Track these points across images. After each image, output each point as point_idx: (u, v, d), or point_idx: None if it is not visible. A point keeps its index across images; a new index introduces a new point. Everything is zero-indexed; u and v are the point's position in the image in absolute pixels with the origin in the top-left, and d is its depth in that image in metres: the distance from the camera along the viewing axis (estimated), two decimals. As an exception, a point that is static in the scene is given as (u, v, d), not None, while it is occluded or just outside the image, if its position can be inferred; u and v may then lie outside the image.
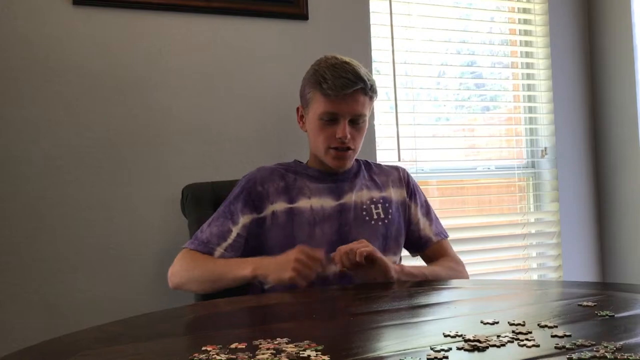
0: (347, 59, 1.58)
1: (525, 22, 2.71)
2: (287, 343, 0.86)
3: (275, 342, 0.87)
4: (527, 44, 2.71)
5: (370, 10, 2.31)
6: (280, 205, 1.56)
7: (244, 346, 0.86)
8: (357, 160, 1.71)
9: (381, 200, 1.64)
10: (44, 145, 1.84)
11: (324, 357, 0.80)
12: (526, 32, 2.71)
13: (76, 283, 1.85)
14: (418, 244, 1.69)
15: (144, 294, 1.91)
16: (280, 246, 1.49)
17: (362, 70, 1.56)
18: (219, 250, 1.51)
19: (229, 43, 2.07)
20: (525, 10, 2.70)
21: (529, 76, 2.72)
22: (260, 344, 0.86)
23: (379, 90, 1.64)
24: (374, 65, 2.30)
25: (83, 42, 1.89)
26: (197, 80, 2.02)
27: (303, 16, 2.17)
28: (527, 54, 2.71)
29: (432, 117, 2.53)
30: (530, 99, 2.72)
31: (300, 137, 2.13)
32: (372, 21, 2.32)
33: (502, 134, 2.75)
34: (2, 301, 1.78)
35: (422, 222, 1.70)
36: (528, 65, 2.72)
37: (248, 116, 2.08)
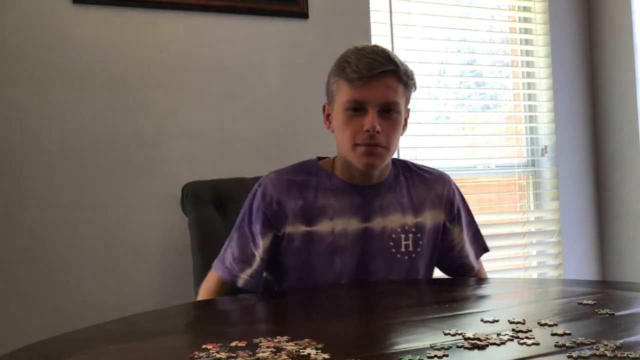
0: (374, 45, 1.37)
1: (526, 20, 2.70)
2: (287, 341, 0.87)
3: (276, 341, 0.87)
4: (528, 42, 2.71)
5: (370, 9, 2.31)
6: (296, 228, 1.37)
7: (244, 344, 0.86)
8: (394, 163, 1.47)
9: (413, 229, 1.41)
10: (45, 145, 1.84)
11: (324, 355, 0.80)
12: (526, 31, 2.71)
13: (76, 282, 1.85)
14: (459, 272, 1.51)
15: (144, 293, 1.91)
16: (296, 274, 1.39)
17: (395, 56, 1.34)
18: (242, 278, 1.38)
19: (229, 42, 2.07)
20: (525, 9, 2.70)
21: (529, 74, 2.72)
22: (261, 342, 0.86)
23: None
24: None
25: (83, 40, 1.89)
26: (198, 79, 2.02)
27: (303, 15, 2.17)
28: (528, 53, 2.71)
29: (432, 115, 2.53)
30: (530, 97, 2.72)
31: (301, 135, 2.13)
32: (372, 19, 2.32)
33: (502, 132, 2.75)
34: (1, 300, 1.78)
35: (468, 247, 1.49)
36: (528, 64, 2.71)
37: (248, 114, 2.08)
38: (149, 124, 1.95)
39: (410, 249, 1.40)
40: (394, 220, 1.40)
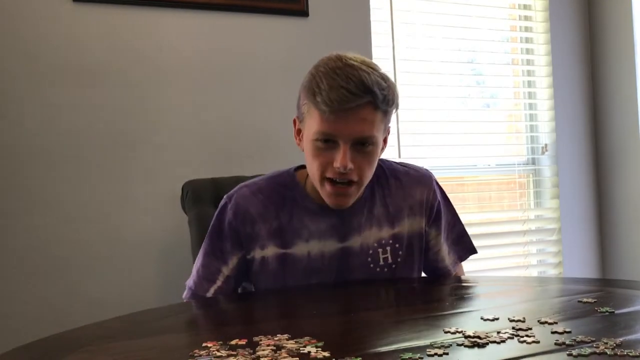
0: (354, 59, 1.20)
1: (526, 18, 2.70)
2: (287, 339, 0.86)
3: (276, 339, 0.87)
4: (528, 40, 2.71)
5: (371, 7, 2.31)
6: (272, 250, 1.30)
7: (244, 342, 0.86)
8: None
9: (391, 241, 1.34)
10: (45, 143, 1.84)
11: (324, 353, 0.80)
12: (527, 29, 2.71)
13: (76, 280, 1.86)
14: (435, 274, 1.46)
15: (144, 291, 1.91)
16: (272, 293, 1.32)
17: (372, 76, 1.18)
18: (210, 292, 1.33)
19: (230, 40, 2.06)
20: (525, 7, 2.69)
21: (529, 73, 2.72)
22: (261, 340, 0.86)
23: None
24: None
25: (83, 39, 1.89)
26: (197, 77, 2.02)
27: (303, 13, 2.17)
28: (528, 51, 2.71)
29: (432, 113, 2.53)
30: (530, 95, 2.72)
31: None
32: (372, 18, 2.32)
33: (503, 130, 2.75)
34: (2, 298, 1.78)
35: (444, 250, 1.43)
36: (529, 62, 2.71)
37: (248, 113, 2.08)
38: (149, 122, 1.95)
39: (390, 261, 1.35)
40: (370, 236, 1.33)
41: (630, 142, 2.63)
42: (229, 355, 0.80)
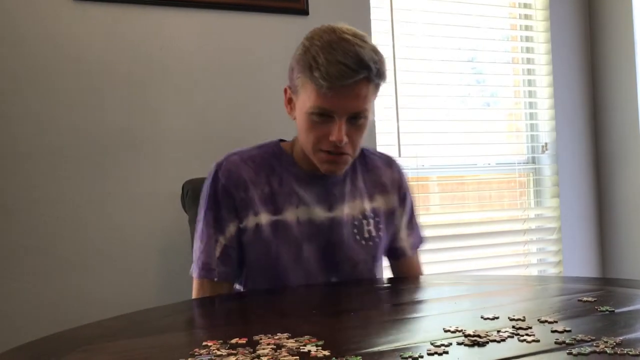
0: (347, 32, 1.22)
1: (526, 17, 2.70)
2: (287, 338, 0.87)
3: (276, 338, 0.87)
4: (528, 39, 2.71)
5: (371, 6, 2.31)
6: (264, 217, 1.31)
7: (244, 341, 0.86)
8: None
9: (372, 214, 1.40)
10: (44, 142, 1.84)
11: (324, 352, 0.80)
12: (527, 27, 2.71)
13: (77, 279, 1.86)
14: (393, 254, 1.49)
15: (144, 290, 1.91)
16: (264, 264, 1.33)
17: (367, 50, 1.20)
18: (216, 270, 1.31)
19: (230, 38, 2.06)
20: (526, 6, 2.69)
21: (529, 71, 2.72)
22: (261, 339, 0.86)
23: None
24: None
25: (83, 38, 1.89)
26: (198, 76, 2.02)
27: (303, 11, 2.16)
28: (528, 50, 2.71)
29: (432, 112, 2.53)
30: (530, 94, 2.72)
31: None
32: (372, 16, 2.31)
33: (503, 129, 2.75)
34: (2, 298, 1.78)
35: (403, 232, 1.47)
36: (529, 61, 2.71)
37: (248, 111, 2.08)
38: (149, 120, 1.95)
39: (373, 234, 1.39)
40: (355, 207, 1.38)
41: (631, 141, 2.63)
42: (229, 354, 0.80)
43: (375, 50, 1.24)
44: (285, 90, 1.34)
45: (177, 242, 1.89)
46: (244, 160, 1.34)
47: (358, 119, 1.25)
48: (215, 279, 1.31)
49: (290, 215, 1.33)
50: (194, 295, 1.35)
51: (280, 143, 1.41)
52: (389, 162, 1.48)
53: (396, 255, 1.49)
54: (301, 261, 1.34)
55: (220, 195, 1.32)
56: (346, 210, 1.37)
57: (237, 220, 1.32)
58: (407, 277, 1.47)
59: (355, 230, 1.38)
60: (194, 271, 1.34)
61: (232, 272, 1.34)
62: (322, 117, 1.23)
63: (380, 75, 1.24)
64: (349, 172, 1.39)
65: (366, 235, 1.39)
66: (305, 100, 1.24)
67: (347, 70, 1.17)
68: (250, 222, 1.32)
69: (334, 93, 1.19)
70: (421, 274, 1.52)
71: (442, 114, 2.54)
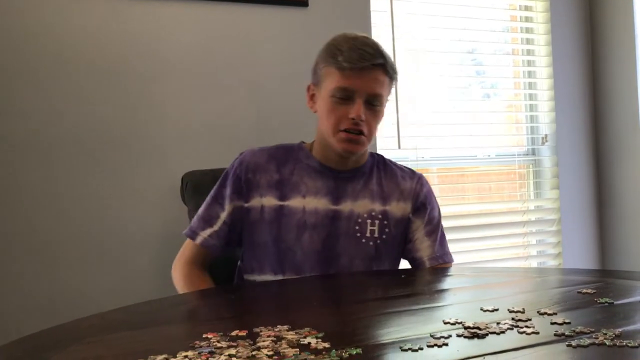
0: (366, 35, 1.42)
1: (526, 8, 2.69)
2: (287, 330, 0.87)
3: (276, 330, 0.87)
4: (528, 30, 2.70)
5: (371, -4, 2.30)
6: (269, 201, 1.41)
7: (244, 333, 0.86)
8: (372, 155, 1.53)
9: (380, 216, 1.45)
10: (41, 136, 1.83)
11: (324, 344, 0.80)
12: (527, 19, 2.70)
13: (76, 272, 1.86)
14: (412, 263, 1.51)
15: (144, 282, 1.91)
16: (267, 245, 1.41)
17: (384, 50, 1.39)
18: (201, 236, 1.43)
19: (229, 30, 2.06)
20: (526, -3, 2.68)
21: (529, 63, 2.71)
22: (261, 331, 0.87)
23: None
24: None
25: (80, 30, 1.88)
26: (197, 68, 2.01)
27: (303, 3, 2.15)
28: (528, 41, 2.70)
29: (432, 104, 2.52)
30: (531, 85, 2.71)
31: (300, 123, 2.12)
32: (372, 7, 2.30)
33: (503, 121, 2.74)
34: (2, 292, 1.79)
35: (420, 242, 1.48)
36: (529, 52, 2.70)
37: (248, 103, 2.08)
38: (148, 113, 1.95)
39: (376, 234, 1.44)
40: (362, 205, 1.44)
41: (631, 133, 2.63)
42: (229, 346, 0.80)
43: (388, 53, 1.40)
44: (308, 88, 1.47)
45: (177, 234, 1.89)
46: (262, 150, 1.48)
47: (374, 104, 1.38)
48: (197, 243, 1.44)
49: (296, 202, 1.41)
50: (177, 258, 1.48)
51: (303, 143, 1.53)
52: (412, 174, 1.54)
53: (415, 265, 1.50)
54: (301, 247, 1.40)
55: (230, 177, 1.45)
56: (352, 206, 1.43)
57: (243, 200, 1.43)
58: (406, 270, 1.48)
59: (357, 227, 1.43)
60: (188, 227, 1.48)
61: (220, 246, 1.44)
62: (342, 98, 1.36)
63: (393, 69, 1.40)
64: (367, 173, 1.48)
65: (367, 234, 1.43)
66: (328, 85, 1.37)
67: (366, 55, 1.34)
68: (255, 202, 1.42)
69: (355, 73, 1.34)
70: None
71: (442, 105, 2.54)
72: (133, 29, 1.94)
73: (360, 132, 1.37)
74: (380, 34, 2.35)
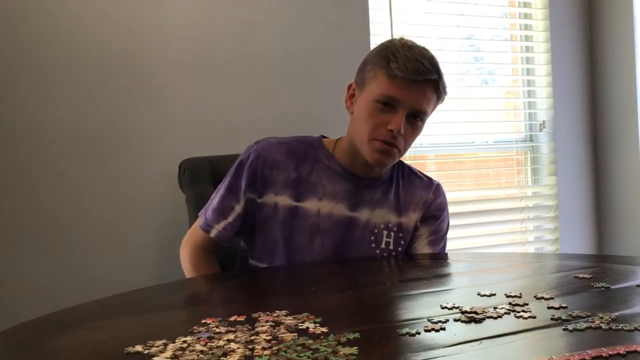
0: (424, 47, 1.34)
1: (525, -6, 2.68)
2: (285, 315, 0.87)
3: (274, 315, 0.87)
4: (526, 16, 2.69)
5: (368, -17, 2.28)
6: (284, 200, 1.36)
7: (243, 319, 0.87)
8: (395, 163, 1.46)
9: (395, 228, 1.41)
10: (41, 121, 1.83)
11: (322, 329, 0.81)
12: (525, 4, 2.68)
13: (75, 259, 1.86)
14: None
15: (143, 269, 1.91)
16: (278, 244, 1.38)
17: (440, 66, 1.32)
18: (216, 229, 1.38)
19: (228, 17, 2.04)
20: (524, -18, 2.67)
21: (527, 49, 2.70)
22: (260, 316, 0.87)
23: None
24: (372, 38, 2.27)
25: (78, 15, 1.86)
26: (195, 55, 2.00)
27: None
28: (526, 27, 2.69)
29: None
30: (529, 72, 2.70)
31: (297, 112, 2.12)
32: (370, -7, 2.29)
33: (501, 107, 2.74)
34: (3, 278, 1.79)
35: (421, 249, 1.46)
36: (527, 38, 2.69)
37: (244, 91, 2.07)
38: (146, 99, 1.94)
39: (391, 247, 1.40)
40: (379, 216, 1.40)
41: (628, 119, 2.63)
42: (228, 332, 0.81)
43: (442, 72, 1.33)
44: (350, 87, 1.38)
45: (175, 221, 1.90)
46: (280, 143, 1.41)
47: (416, 119, 1.32)
48: (212, 236, 1.39)
49: (311, 204, 1.36)
50: (187, 233, 1.45)
51: (323, 139, 1.46)
52: (430, 184, 1.49)
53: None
54: (312, 251, 1.37)
55: (246, 168, 1.38)
56: (369, 215, 1.39)
57: (256, 195, 1.37)
58: (403, 256, 1.48)
59: (372, 237, 1.39)
60: (200, 218, 1.42)
61: (232, 236, 1.40)
62: (386, 106, 1.28)
63: (443, 88, 1.34)
64: (386, 182, 1.43)
65: (382, 245, 1.40)
66: (374, 88, 1.30)
67: (422, 68, 1.26)
68: (269, 199, 1.37)
69: (405, 85, 1.27)
70: None
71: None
72: (131, 15, 1.92)
73: (395, 145, 1.30)
74: (378, 20, 2.33)
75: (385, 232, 1.40)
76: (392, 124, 1.27)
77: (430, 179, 1.51)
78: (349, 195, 1.38)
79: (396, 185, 1.44)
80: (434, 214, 1.46)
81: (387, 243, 1.40)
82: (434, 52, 1.34)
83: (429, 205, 1.45)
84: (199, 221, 1.42)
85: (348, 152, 1.38)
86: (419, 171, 1.52)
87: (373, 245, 1.39)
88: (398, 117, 1.28)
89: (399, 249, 1.41)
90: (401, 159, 1.46)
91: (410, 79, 1.26)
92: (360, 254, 1.38)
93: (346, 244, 1.38)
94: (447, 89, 1.36)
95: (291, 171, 1.37)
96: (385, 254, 1.39)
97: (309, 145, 1.42)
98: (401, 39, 1.33)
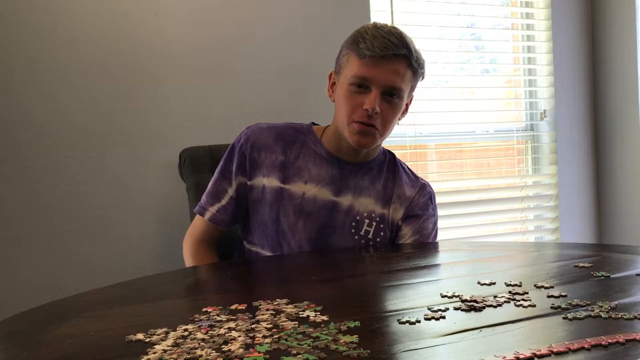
0: (395, 26, 1.36)
1: (526, -18, 2.66)
2: (286, 304, 0.88)
3: (275, 303, 0.88)
4: (528, 4, 2.67)
5: (369, -30, 2.27)
6: (271, 182, 1.40)
7: (244, 307, 0.87)
8: (385, 152, 1.50)
9: (378, 219, 1.42)
10: (41, 112, 1.82)
11: (323, 317, 0.81)
12: (527, -7, 2.67)
13: (76, 248, 1.86)
14: None
15: (144, 258, 1.92)
16: (267, 225, 1.41)
17: (411, 42, 1.33)
18: (210, 211, 1.42)
19: (227, 6, 2.03)
20: (526, -30, 2.65)
21: (529, 38, 2.69)
22: (260, 305, 0.87)
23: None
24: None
25: (75, 4, 1.86)
26: (195, 44, 2.00)
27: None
28: (528, 15, 2.67)
29: (431, 79, 2.51)
30: (530, 61, 2.69)
31: (296, 100, 2.12)
32: (370, -19, 2.28)
33: (502, 96, 2.73)
34: (2, 266, 1.80)
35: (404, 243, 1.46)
36: (528, 27, 2.68)
37: (244, 80, 2.06)
38: (146, 88, 1.94)
39: (370, 236, 1.41)
40: (362, 203, 1.41)
41: (629, 108, 2.62)
42: (229, 320, 0.81)
43: (417, 49, 1.35)
44: (330, 76, 1.42)
45: (176, 210, 1.90)
46: (270, 128, 1.45)
47: (392, 97, 1.33)
48: (206, 219, 1.43)
49: (296, 187, 1.40)
50: (188, 233, 1.48)
51: (313, 126, 1.49)
52: (415, 183, 1.48)
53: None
54: (296, 233, 1.39)
55: (236, 151, 1.43)
56: (352, 201, 1.41)
57: (246, 177, 1.42)
58: (404, 244, 1.48)
59: (354, 224, 1.40)
60: (198, 204, 1.47)
61: (228, 221, 1.44)
62: (360, 87, 1.31)
63: (418, 63, 1.34)
64: (375, 172, 1.44)
65: (362, 233, 1.41)
66: (348, 72, 1.33)
67: (389, 44, 1.28)
68: (257, 181, 1.41)
69: (375, 63, 1.29)
70: None
71: (441, 81, 2.52)
72: (129, 2, 1.91)
73: (372, 125, 1.32)
74: (378, 9, 2.32)
75: (367, 221, 1.41)
76: (366, 103, 1.30)
77: (417, 178, 1.51)
78: (334, 180, 1.41)
79: (385, 177, 1.46)
80: (417, 212, 1.45)
81: (367, 232, 1.41)
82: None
83: (411, 203, 1.45)
84: (197, 208, 1.47)
85: (334, 138, 1.41)
86: (410, 170, 1.53)
87: (353, 231, 1.40)
88: (372, 96, 1.30)
89: (378, 239, 1.42)
90: (399, 157, 1.51)
91: (378, 55, 1.28)
92: (340, 239, 1.40)
93: (327, 227, 1.39)
94: (425, 64, 1.37)
95: (278, 154, 1.41)
96: (363, 242, 1.41)
97: (298, 131, 1.46)
98: (373, 22, 1.36)
